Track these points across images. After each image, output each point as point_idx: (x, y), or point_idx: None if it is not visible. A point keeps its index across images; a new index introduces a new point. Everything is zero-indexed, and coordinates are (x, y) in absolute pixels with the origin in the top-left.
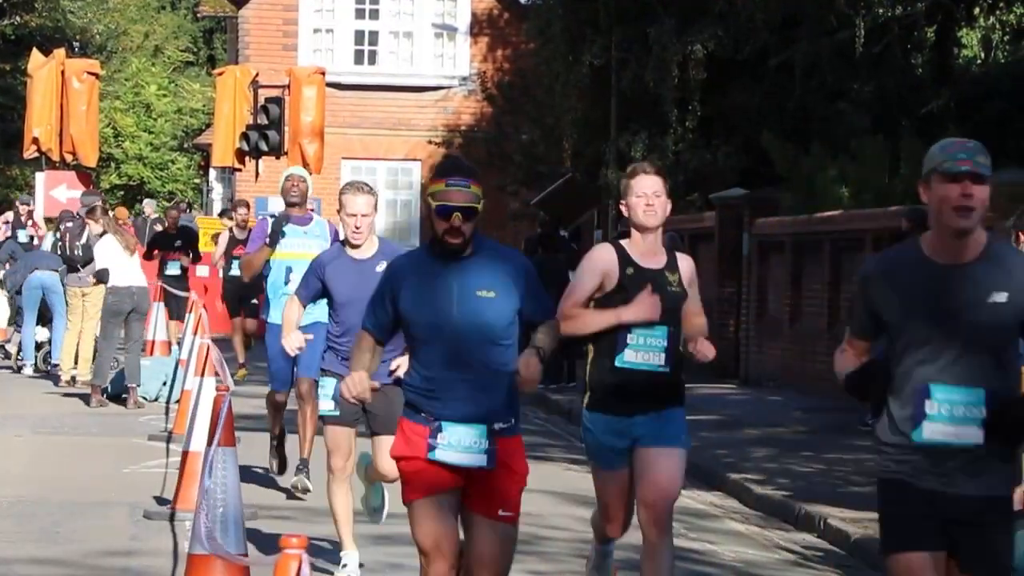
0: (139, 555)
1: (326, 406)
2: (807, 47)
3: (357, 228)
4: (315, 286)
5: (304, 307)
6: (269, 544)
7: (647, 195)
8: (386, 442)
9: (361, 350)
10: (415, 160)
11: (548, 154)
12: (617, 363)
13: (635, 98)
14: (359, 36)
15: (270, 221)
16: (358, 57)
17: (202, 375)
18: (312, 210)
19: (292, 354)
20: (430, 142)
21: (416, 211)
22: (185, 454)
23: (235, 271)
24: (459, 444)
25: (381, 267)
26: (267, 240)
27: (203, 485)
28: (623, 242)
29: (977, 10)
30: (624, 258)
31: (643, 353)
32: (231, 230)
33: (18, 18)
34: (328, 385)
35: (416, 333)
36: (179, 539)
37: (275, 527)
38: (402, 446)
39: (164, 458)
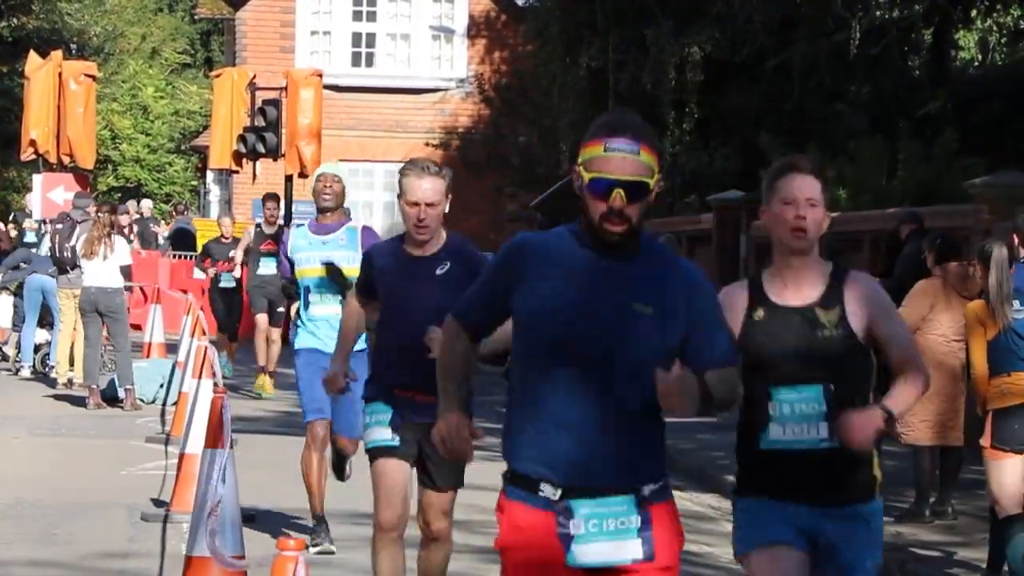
0: (136, 557)
1: (379, 436)
2: (805, 49)
3: (421, 221)
4: (365, 281)
5: (364, 307)
6: (266, 546)
7: (797, 201)
8: (443, 501)
9: (449, 367)
10: None
11: (545, 156)
12: (762, 444)
13: (632, 100)
14: (356, 38)
15: (293, 230)
16: (355, 59)
17: (199, 377)
18: (347, 216)
19: (332, 395)
20: (427, 144)
21: None
22: (182, 456)
23: (264, 269)
24: (602, 530)
25: (444, 269)
26: (285, 269)
27: (204, 489)
28: (767, 272)
29: (974, 12)
30: (757, 295)
31: (793, 426)
32: (258, 225)
33: (15, 20)
34: (380, 412)
35: (535, 352)
36: (176, 541)
37: (272, 529)
38: (514, 537)
39: (161, 460)
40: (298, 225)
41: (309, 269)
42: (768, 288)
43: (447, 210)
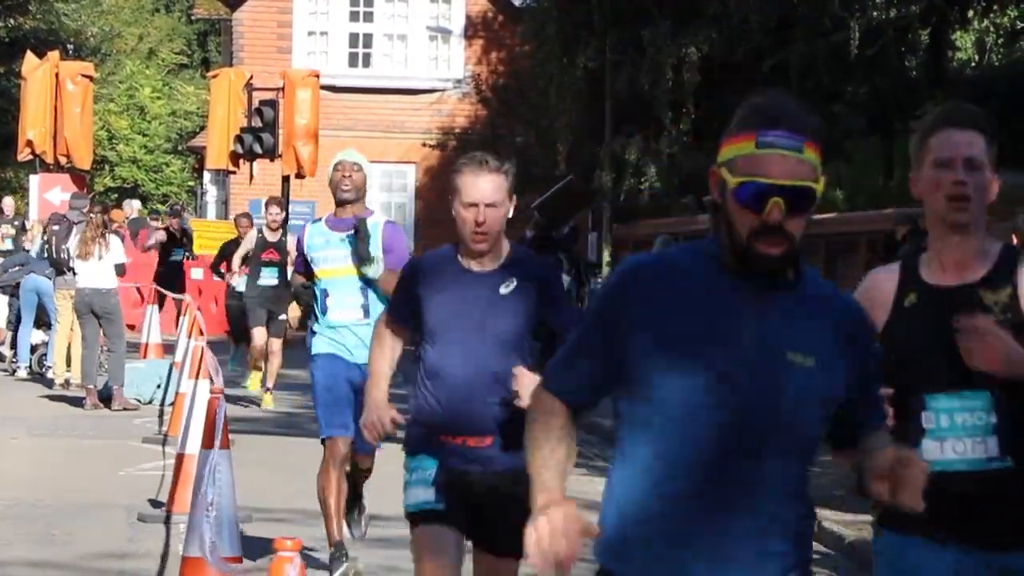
0: (134, 557)
1: (422, 496)
2: (801, 49)
3: (480, 226)
4: (410, 304)
5: (402, 333)
6: (263, 547)
7: (954, 161)
8: (506, 570)
9: (546, 453)
10: (410, 163)
11: (543, 157)
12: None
13: (629, 101)
14: (353, 39)
15: (307, 228)
16: (352, 60)
17: (196, 378)
18: (369, 211)
19: (373, 440)
20: (424, 144)
21: (411, 215)
22: (180, 457)
23: (265, 279)
24: None
25: (510, 287)
26: (298, 266)
27: (201, 491)
28: (924, 254)
29: (971, 13)
30: (909, 278)
31: (954, 442)
32: (260, 231)
33: (12, 20)
34: (422, 466)
35: (662, 408)
36: (174, 542)
37: (269, 530)
38: None
39: (158, 460)
40: (315, 221)
41: (328, 269)
42: (923, 269)
43: (511, 213)
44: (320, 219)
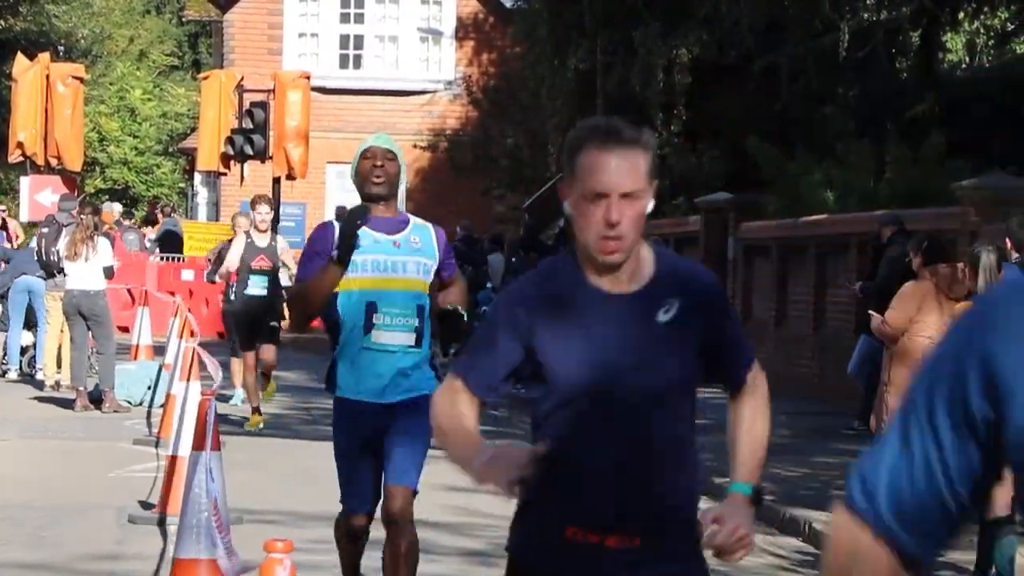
0: (125, 559)
1: None
2: (792, 51)
3: (612, 227)
4: (511, 355)
5: (477, 408)
6: (254, 548)
7: None
8: None
9: None
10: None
11: (533, 158)
12: None
13: (620, 102)
14: (344, 40)
15: (336, 225)
16: (343, 61)
17: (187, 379)
18: (403, 212)
19: (511, 493)
20: (415, 146)
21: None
22: (171, 459)
23: (254, 289)
24: None
25: (670, 313)
26: (334, 254)
27: (192, 492)
28: None
29: (961, 14)
30: None
31: None
32: (248, 234)
33: (2, 22)
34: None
35: None
36: (165, 543)
37: (260, 531)
38: None
39: (149, 462)
40: (358, 218)
41: (378, 278)
42: None
43: (650, 207)
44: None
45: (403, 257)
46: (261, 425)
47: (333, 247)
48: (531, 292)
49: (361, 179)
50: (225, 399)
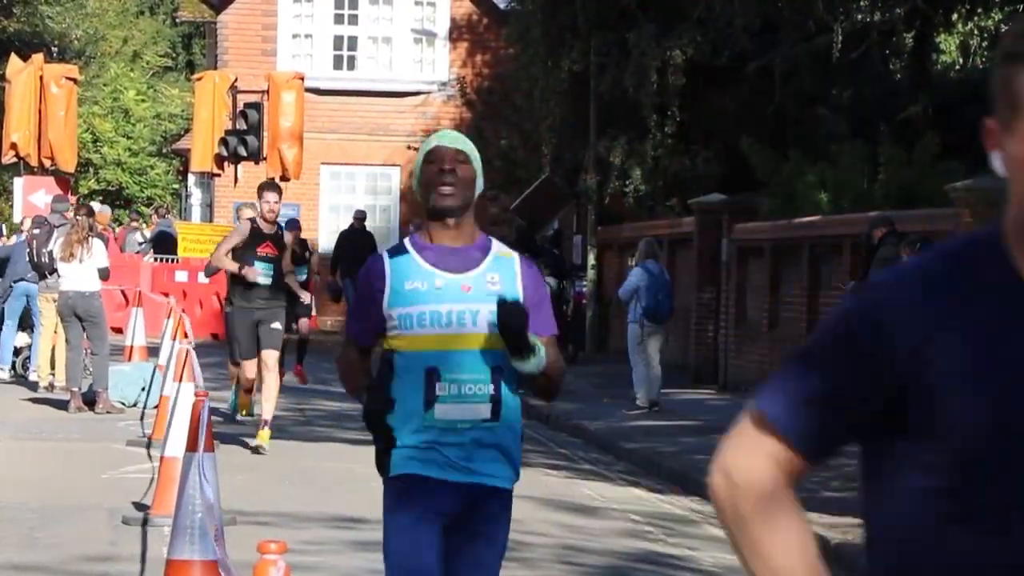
0: (118, 560)
1: None
2: (786, 52)
3: None
4: (852, 407)
5: (801, 475)
6: (248, 549)
7: None
8: None
9: None
10: (394, 165)
11: (527, 159)
12: None
13: (614, 103)
14: (338, 41)
15: (386, 259)
16: (337, 62)
17: (180, 381)
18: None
19: None
20: (409, 147)
21: (396, 217)
22: (163, 460)
23: (262, 278)
24: None
25: None
26: (367, 387)
27: (186, 494)
28: None
29: (955, 16)
30: None
31: None
32: (253, 221)
33: None
34: None
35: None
36: (157, 544)
37: (254, 532)
38: None
39: (142, 463)
40: (393, 249)
41: (442, 336)
42: None
43: None
44: (402, 244)
45: (475, 305)
46: (267, 445)
47: (385, 285)
48: (898, 306)
49: (425, 190)
50: (232, 418)
